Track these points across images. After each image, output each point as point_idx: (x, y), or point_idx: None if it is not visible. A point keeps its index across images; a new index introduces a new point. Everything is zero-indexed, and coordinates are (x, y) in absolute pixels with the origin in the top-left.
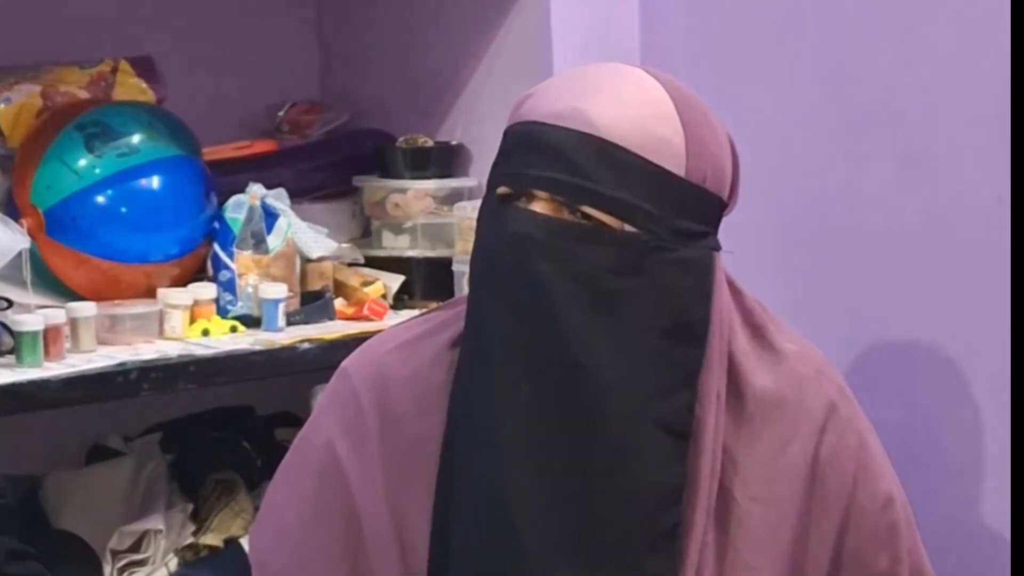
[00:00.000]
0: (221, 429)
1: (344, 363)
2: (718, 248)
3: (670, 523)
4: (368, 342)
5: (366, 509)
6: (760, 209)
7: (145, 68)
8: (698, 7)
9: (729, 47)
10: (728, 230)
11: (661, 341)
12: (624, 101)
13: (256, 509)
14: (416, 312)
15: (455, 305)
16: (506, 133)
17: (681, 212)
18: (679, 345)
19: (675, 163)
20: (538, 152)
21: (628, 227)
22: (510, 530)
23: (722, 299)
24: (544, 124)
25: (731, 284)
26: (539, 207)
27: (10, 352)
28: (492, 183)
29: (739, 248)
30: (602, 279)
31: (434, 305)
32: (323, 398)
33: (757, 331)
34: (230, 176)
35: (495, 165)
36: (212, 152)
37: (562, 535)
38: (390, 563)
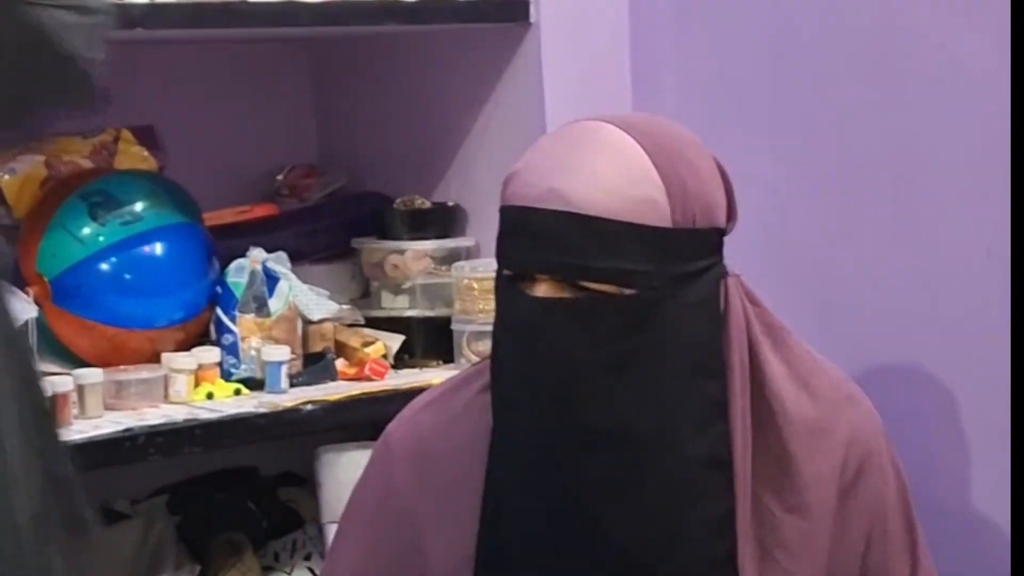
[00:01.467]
0: (226, 490)
1: (387, 427)
2: (724, 275)
3: (727, 549)
4: (407, 406)
5: (408, 553)
6: (750, 257)
7: (146, 136)
8: (688, 69)
9: (719, 107)
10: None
11: (684, 382)
12: (599, 173)
13: (263, 569)
14: (417, 371)
15: (482, 361)
16: (501, 211)
17: (676, 260)
18: (702, 381)
19: (660, 218)
20: (528, 236)
21: (627, 290)
22: None
23: (738, 317)
24: (528, 208)
25: (749, 296)
26: (541, 290)
27: None
28: (498, 260)
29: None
30: (612, 343)
31: (434, 364)
32: (369, 459)
33: (778, 343)
34: (231, 240)
35: (498, 241)
36: (213, 217)
37: None
38: None
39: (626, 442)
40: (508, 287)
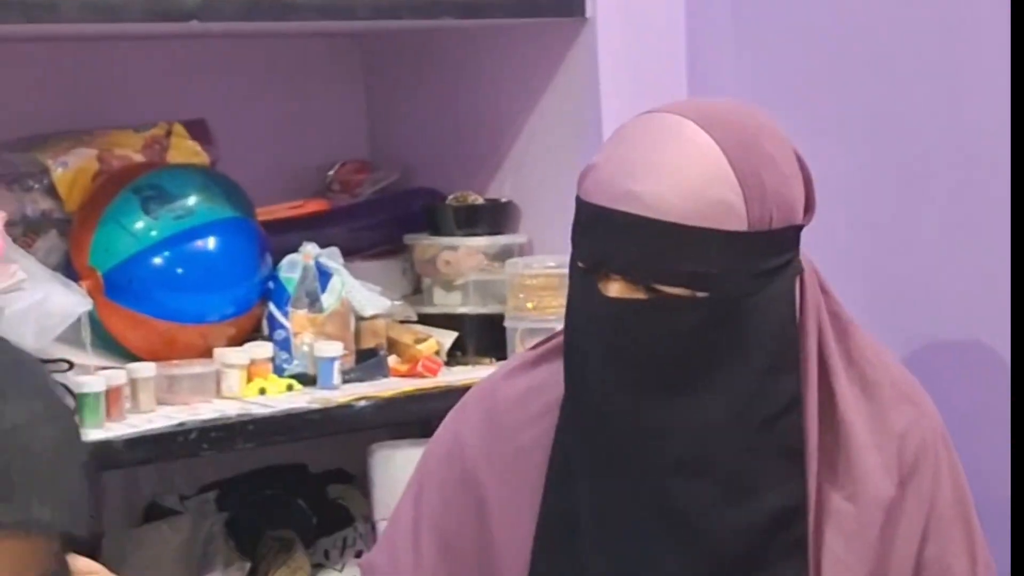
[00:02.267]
0: (275, 487)
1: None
2: (799, 270)
3: (796, 537)
4: (494, 371)
5: (473, 515)
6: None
7: (199, 131)
8: (745, 63)
9: (775, 101)
10: None
11: (759, 379)
12: (676, 176)
13: (313, 567)
14: (470, 368)
15: (557, 336)
16: (577, 203)
17: (751, 261)
18: (777, 376)
19: (736, 221)
20: (603, 235)
21: (700, 293)
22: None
23: (813, 309)
24: (604, 208)
25: (821, 285)
26: (614, 289)
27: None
28: (573, 248)
29: None
30: (685, 344)
31: (487, 361)
32: (445, 421)
33: (842, 335)
34: (283, 236)
35: (573, 229)
36: (265, 212)
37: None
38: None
39: (698, 435)
40: (583, 278)
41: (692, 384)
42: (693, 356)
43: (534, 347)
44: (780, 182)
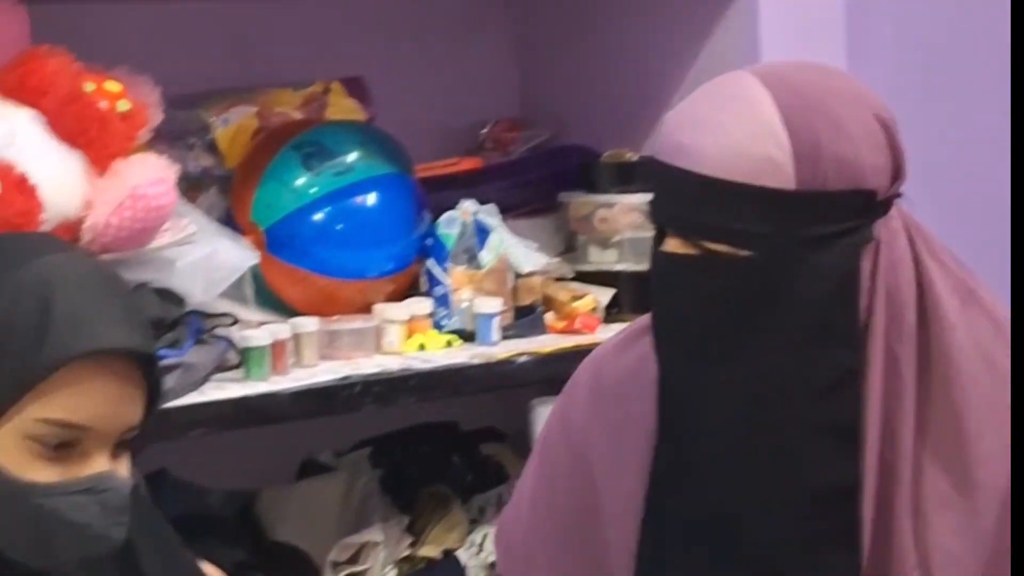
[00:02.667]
0: (428, 444)
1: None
2: (870, 239)
3: (847, 521)
4: (598, 347)
5: (584, 487)
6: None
7: (356, 88)
8: (904, 21)
9: (935, 61)
10: None
11: (806, 349)
12: (723, 130)
13: (471, 522)
14: (626, 325)
15: None
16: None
17: (800, 223)
18: (829, 348)
19: (782, 179)
20: (660, 190)
21: (743, 252)
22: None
23: (891, 278)
24: (659, 163)
25: (937, 256)
26: (670, 245)
27: (235, 367)
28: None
29: None
30: (728, 304)
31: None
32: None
33: (967, 305)
34: (437, 193)
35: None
36: (420, 170)
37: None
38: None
39: (742, 402)
40: (655, 238)
41: (735, 350)
42: (736, 319)
43: (631, 327)
44: (842, 144)
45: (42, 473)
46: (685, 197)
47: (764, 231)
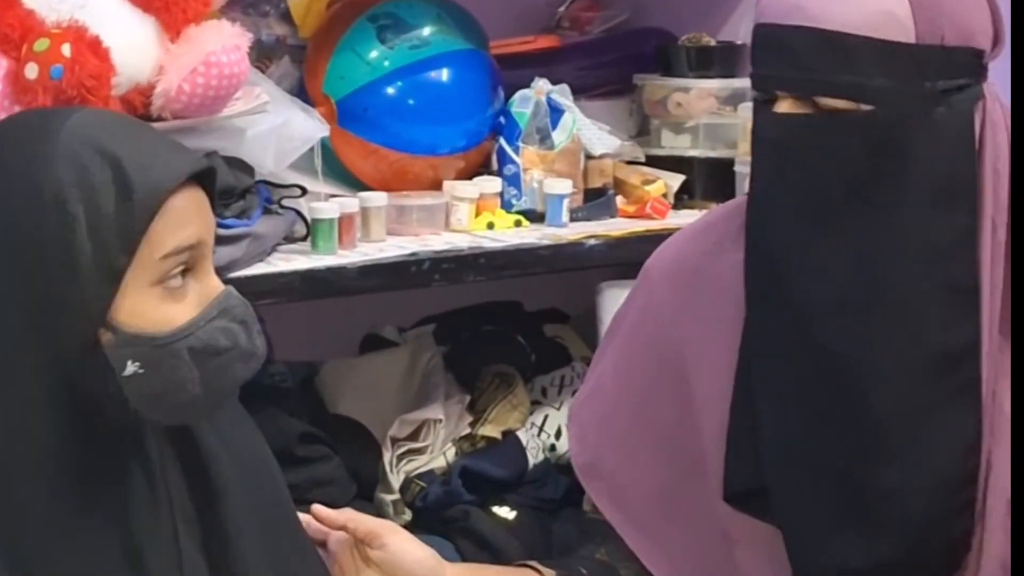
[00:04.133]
0: (492, 323)
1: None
2: (980, 97)
3: (964, 381)
4: (669, 238)
5: (666, 372)
6: None
7: None
8: None
9: None
10: None
11: (927, 208)
12: None
13: (532, 403)
14: (696, 212)
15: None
16: (752, 31)
17: (919, 77)
18: (947, 208)
19: (902, 32)
20: (770, 53)
21: (864, 106)
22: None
23: (996, 140)
24: (771, 25)
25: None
26: (783, 107)
27: (302, 239)
28: (751, 84)
29: None
30: (850, 162)
31: (714, 206)
32: (629, 292)
33: None
34: (512, 71)
35: (751, 61)
36: (495, 46)
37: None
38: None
39: (860, 269)
40: (759, 108)
41: (855, 213)
42: (856, 179)
43: (706, 217)
44: (956, 1)
45: (180, 315)
46: (801, 56)
47: (884, 84)
